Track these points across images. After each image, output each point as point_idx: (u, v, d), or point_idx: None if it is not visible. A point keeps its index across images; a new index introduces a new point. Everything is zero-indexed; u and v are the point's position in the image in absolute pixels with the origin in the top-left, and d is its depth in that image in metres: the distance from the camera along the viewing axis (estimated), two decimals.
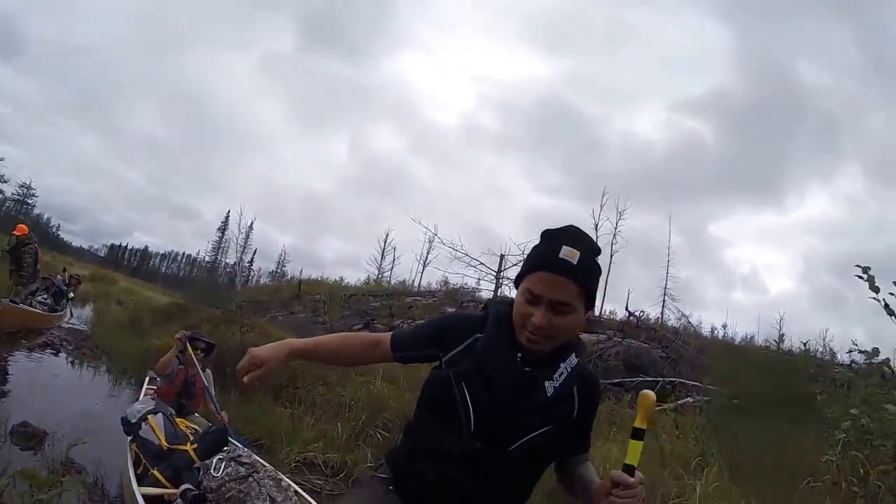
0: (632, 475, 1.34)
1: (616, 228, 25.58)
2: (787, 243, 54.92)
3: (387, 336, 1.76)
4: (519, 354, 1.51)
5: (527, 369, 1.51)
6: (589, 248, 1.53)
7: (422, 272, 34.03)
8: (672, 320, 21.89)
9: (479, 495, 1.51)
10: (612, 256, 25.19)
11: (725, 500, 4.43)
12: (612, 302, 26.99)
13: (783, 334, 15.11)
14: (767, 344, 11.73)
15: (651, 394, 1.39)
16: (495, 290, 17.75)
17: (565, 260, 1.45)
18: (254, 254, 40.89)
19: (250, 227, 41.20)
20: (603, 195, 26.80)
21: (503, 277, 17.53)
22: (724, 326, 21.46)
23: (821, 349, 13.63)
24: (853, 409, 3.95)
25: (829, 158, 50.19)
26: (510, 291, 19.45)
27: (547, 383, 1.51)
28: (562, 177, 53.45)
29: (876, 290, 3.82)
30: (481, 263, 17.86)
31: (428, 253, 32.50)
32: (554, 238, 1.52)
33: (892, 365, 4.02)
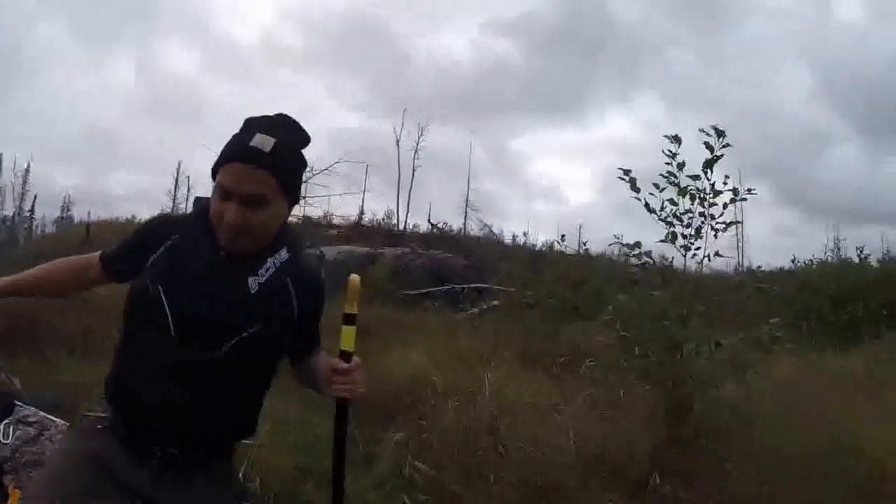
0: (349, 361, 1.33)
1: (418, 144, 26.07)
2: (587, 159, 59.03)
3: (97, 255, 1.57)
4: (222, 253, 1.36)
5: (225, 265, 1.37)
6: (289, 135, 1.40)
7: None
8: (475, 230, 22.86)
9: (197, 406, 1.35)
10: (413, 172, 25.79)
11: (513, 382, 4.97)
12: (414, 216, 27.79)
13: (585, 241, 16.42)
14: (563, 249, 13.00)
15: (357, 278, 1.37)
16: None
17: (256, 148, 1.29)
18: (34, 201, 35.93)
19: (27, 170, 36.05)
20: (404, 111, 27.08)
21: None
22: (525, 234, 22.95)
23: (616, 253, 15.18)
24: (620, 296, 4.62)
25: (630, 84, 54.19)
26: (301, 209, 19.42)
27: (251, 279, 1.37)
28: (370, 95, 52.30)
29: (637, 190, 4.42)
30: None
31: None
32: (249, 125, 1.38)
33: (653, 256, 4.64)
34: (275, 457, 3.54)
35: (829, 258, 14.11)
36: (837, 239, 17.99)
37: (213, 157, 1.36)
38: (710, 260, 4.49)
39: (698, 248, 4.39)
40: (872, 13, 50.12)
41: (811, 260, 13.46)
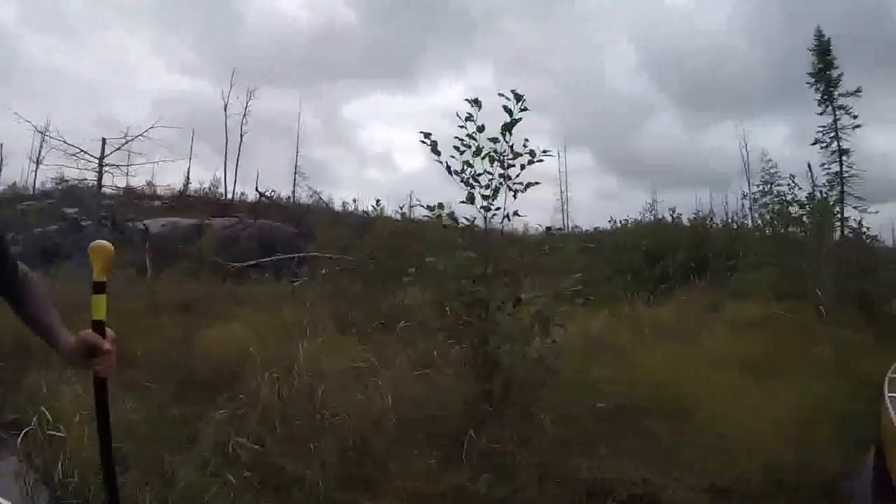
0: (102, 332, 1.26)
1: (246, 109, 24.90)
2: (420, 126, 58.98)
3: None
4: None
5: None
6: None
7: (35, 172, 28.96)
8: (305, 198, 22.39)
9: None
10: (242, 138, 24.64)
11: (331, 349, 4.94)
12: (243, 184, 26.68)
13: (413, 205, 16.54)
14: (379, 213, 13.08)
15: (104, 244, 1.31)
16: (99, 179, 16.39)
17: None
18: None
19: None
20: (233, 73, 25.75)
21: (106, 164, 16.23)
22: (355, 201, 22.77)
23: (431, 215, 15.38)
24: (429, 258, 4.64)
25: (464, 53, 54.71)
26: (113, 179, 18.06)
27: None
28: (198, 56, 48.82)
29: (437, 153, 4.44)
30: (82, 151, 16.33)
31: (41, 149, 27.63)
32: None
33: (457, 216, 4.68)
34: (93, 448, 3.30)
35: (645, 218, 15.12)
36: (654, 201, 19.52)
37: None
38: (509, 220, 4.61)
39: (498, 209, 4.47)
40: None
41: (626, 220, 14.36)
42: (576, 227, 21.04)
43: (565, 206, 27.81)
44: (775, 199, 10.57)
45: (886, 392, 5.27)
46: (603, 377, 5.06)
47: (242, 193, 22.87)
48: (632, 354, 5.70)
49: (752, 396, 5.37)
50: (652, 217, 15.34)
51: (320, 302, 6.83)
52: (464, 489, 3.59)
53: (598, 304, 7.77)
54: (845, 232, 12.04)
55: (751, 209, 12.82)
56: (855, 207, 12.90)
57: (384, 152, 57.48)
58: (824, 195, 11.15)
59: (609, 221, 14.98)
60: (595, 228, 18.00)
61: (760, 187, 11.29)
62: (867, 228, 12.17)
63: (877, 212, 12.96)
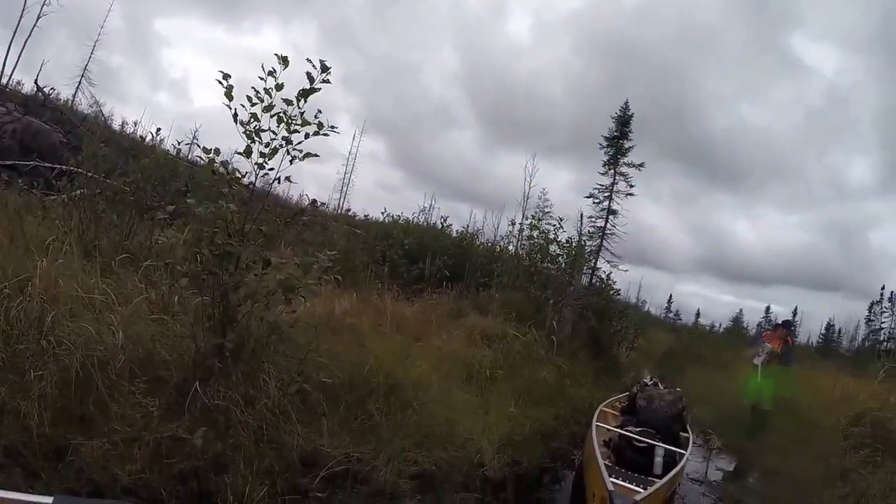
0: None
1: None
2: (226, 64, 55.28)
3: None
4: None
5: None
6: None
7: None
8: (84, 106, 20.46)
9: None
10: (38, 19, 21.59)
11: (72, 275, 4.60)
12: (22, 71, 23.47)
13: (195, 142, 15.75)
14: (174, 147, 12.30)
15: None
16: None
17: None
18: None
19: None
20: None
21: None
22: (136, 123, 21.08)
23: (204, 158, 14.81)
24: (190, 199, 4.50)
25: (296, 8, 52.82)
26: None
27: None
28: None
29: (230, 98, 4.31)
30: None
31: None
32: None
33: (230, 166, 4.59)
34: None
35: (416, 219, 15.58)
36: (431, 205, 20.16)
37: None
38: (279, 183, 4.62)
39: (272, 169, 4.47)
40: (536, 30, 57.33)
41: (399, 215, 14.72)
42: (348, 209, 21.14)
43: (345, 188, 28.06)
44: (540, 235, 11.49)
45: (595, 421, 6.11)
46: (336, 355, 5.22)
47: (19, 82, 20.12)
48: (368, 340, 5.96)
49: (473, 401, 6.00)
50: (424, 220, 15.85)
51: (70, 223, 6.29)
52: (180, 440, 3.57)
53: (350, 288, 8.07)
54: (593, 280, 13.48)
55: (517, 237, 13.62)
56: (608, 261, 14.42)
57: (181, 79, 53.45)
58: (583, 243, 12.25)
59: (382, 212, 15.26)
60: (366, 216, 18.33)
61: (530, 220, 12.08)
62: (613, 281, 13.84)
63: (626, 270, 14.59)
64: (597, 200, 15.40)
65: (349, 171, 28.03)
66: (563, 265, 11.13)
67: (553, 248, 11.15)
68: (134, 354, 4.00)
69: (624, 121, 16.10)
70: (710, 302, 78.52)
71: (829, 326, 42.70)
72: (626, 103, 16.32)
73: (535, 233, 11.51)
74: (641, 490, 4.50)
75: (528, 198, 12.94)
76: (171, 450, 3.51)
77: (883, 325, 40.21)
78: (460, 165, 46.48)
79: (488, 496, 4.58)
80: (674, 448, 5.70)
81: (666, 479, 4.87)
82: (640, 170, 15.54)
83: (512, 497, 4.78)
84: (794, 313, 44.28)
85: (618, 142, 15.91)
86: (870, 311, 41.21)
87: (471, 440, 5.14)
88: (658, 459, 5.46)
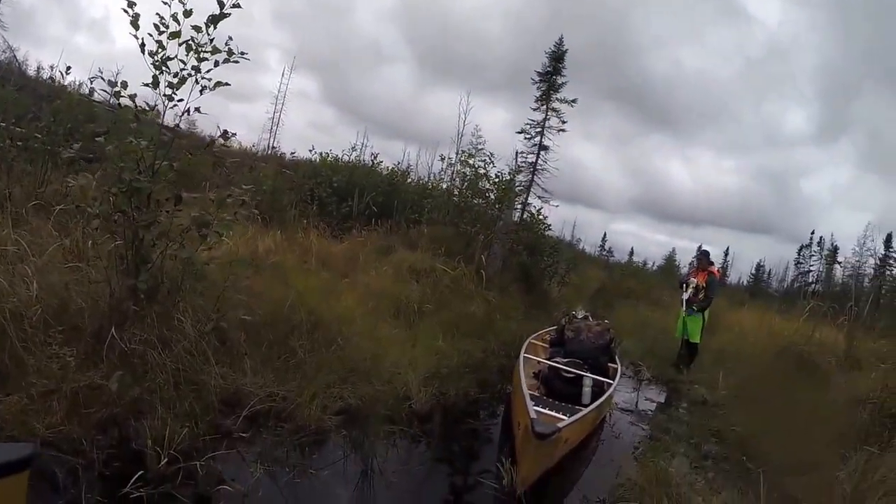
0: None
1: None
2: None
3: None
4: None
5: None
6: None
7: None
8: None
9: None
10: None
11: None
12: None
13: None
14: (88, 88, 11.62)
15: None
16: None
17: None
18: None
19: None
20: None
21: None
22: (52, 67, 19.85)
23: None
24: (99, 138, 4.30)
25: None
26: None
27: None
28: None
29: (136, 27, 4.10)
30: None
31: None
32: None
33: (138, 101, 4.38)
34: None
35: (347, 157, 15.20)
36: (363, 144, 19.73)
37: None
38: (189, 114, 4.44)
39: (181, 100, 4.30)
40: None
41: (327, 153, 14.31)
42: (275, 148, 20.49)
43: (275, 128, 27.19)
44: (471, 170, 11.50)
45: (522, 353, 6.19)
46: (258, 293, 5.19)
47: None
48: (292, 277, 5.92)
49: (400, 336, 6.06)
50: (355, 158, 15.50)
51: None
52: (98, 388, 3.50)
53: (277, 227, 8.01)
54: (524, 215, 13.62)
55: (447, 173, 13.47)
56: (539, 197, 14.57)
57: (102, 19, 50.22)
58: (513, 177, 12.25)
59: (310, 150, 14.77)
60: (293, 154, 17.90)
61: (460, 156, 11.95)
62: (544, 217, 14.03)
63: (557, 205, 14.76)
64: (528, 136, 15.43)
65: (278, 111, 27.20)
66: (492, 200, 11.20)
67: (482, 182, 11.18)
68: (49, 305, 3.89)
69: (557, 56, 15.98)
70: (644, 241, 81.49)
71: (759, 267, 44.93)
72: (560, 39, 16.09)
73: (466, 168, 11.51)
74: (565, 418, 4.55)
75: (462, 135, 12.81)
76: (90, 399, 3.45)
77: (811, 268, 42.54)
78: (394, 103, 45.92)
79: (414, 428, 4.64)
80: (601, 378, 5.83)
81: (591, 407, 4.94)
82: (572, 105, 15.53)
83: (438, 428, 4.85)
84: (726, 254, 46.39)
85: (551, 77, 15.83)
86: (799, 255, 43.45)
87: (398, 374, 5.20)
88: (586, 389, 5.56)
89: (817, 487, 4.26)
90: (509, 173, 11.78)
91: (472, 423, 5.22)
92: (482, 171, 11.22)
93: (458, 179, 11.76)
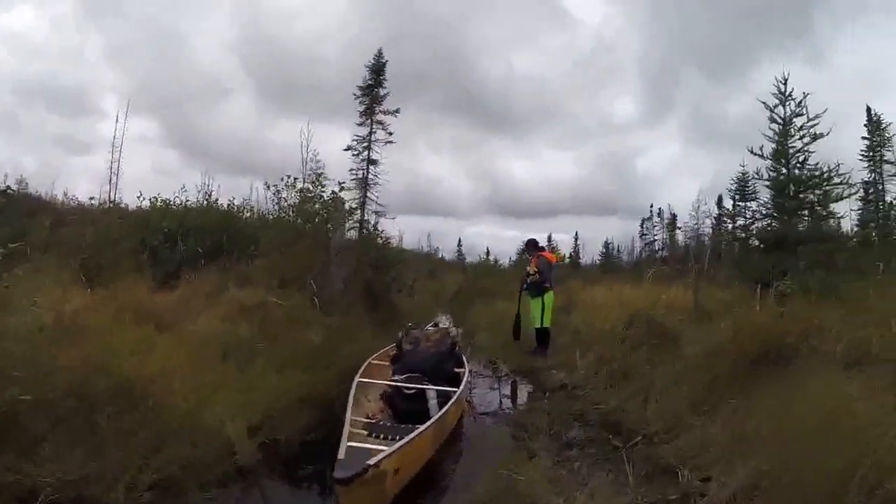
0: None
1: None
2: None
3: None
4: None
5: None
6: None
7: None
8: None
9: None
10: None
11: None
12: None
13: None
14: None
15: None
16: None
17: None
18: None
19: None
20: None
21: None
22: None
23: None
24: None
25: None
26: None
27: None
28: None
29: None
30: None
31: None
32: None
33: None
34: None
35: (181, 199, 14.35)
36: (209, 184, 18.83)
37: None
38: None
39: None
40: None
41: (155, 198, 13.41)
42: (114, 201, 19.20)
43: (114, 178, 25.59)
44: (298, 194, 11.23)
45: (357, 377, 5.86)
46: (66, 363, 4.62)
47: None
48: (106, 337, 5.38)
49: (230, 382, 5.51)
50: (204, 200, 14.72)
51: None
52: None
53: (106, 283, 7.40)
54: (363, 231, 13.60)
55: (276, 201, 12.98)
56: (375, 212, 14.64)
57: None
58: (335, 194, 11.91)
59: (138, 197, 13.72)
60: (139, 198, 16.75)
61: (285, 181, 11.53)
62: (381, 230, 14.01)
63: (394, 218, 14.90)
64: (356, 152, 15.48)
65: (116, 159, 25.34)
66: (322, 221, 10.93)
67: (309, 205, 10.87)
68: None
69: (377, 69, 16.07)
70: (497, 239, 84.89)
71: (607, 244, 47.47)
72: (379, 51, 16.34)
73: (292, 193, 11.25)
74: (383, 449, 3.82)
75: (306, 163, 12.42)
76: None
77: (656, 238, 45.64)
78: (238, 138, 44.78)
79: (238, 487, 4.17)
80: (446, 388, 5.61)
81: (427, 425, 4.54)
82: (395, 116, 15.74)
83: (267, 481, 4.39)
84: (576, 238, 48.74)
85: (373, 90, 16.01)
86: (642, 227, 46.46)
87: (223, 427, 4.64)
88: (432, 402, 5.32)
89: (692, 448, 4.26)
90: (332, 192, 11.47)
91: (307, 469, 4.69)
92: (310, 194, 11.01)
93: (288, 207, 11.42)
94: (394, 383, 5.65)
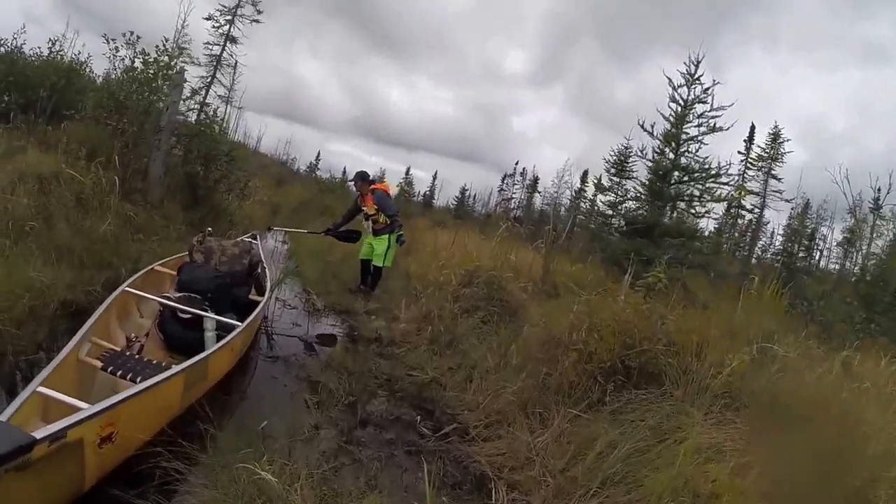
0: None
1: None
2: None
3: None
4: None
5: None
6: None
7: None
8: None
9: None
10: None
11: None
12: None
13: None
14: None
15: None
16: None
17: None
18: None
19: None
20: None
21: None
22: None
23: None
24: None
25: None
26: None
27: None
28: None
29: None
30: None
31: None
32: None
33: None
34: None
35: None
36: (70, 37, 15.77)
37: None
38: None
39: None
40: None
41: None
42: None
43: None
44: (139, 55, 9.42)
45: (125, 285, 4.73)
46: None
47: None
48: None
49: None
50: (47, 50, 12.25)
51: None
52: None
53: None
54: (201, 116, 11.86)
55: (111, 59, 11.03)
56: (220, 96, 13.08)
57: None
58: (174, 62, 9.96)
59: None
60: None
61: (130, 39, 9.69)
62: (221, 119, 12.42)
63: (241, 108, 13.64)
64: (216, 24, 13.71)
65: None
66: (156, 87, 9.08)
67: (146, 70, 9.08)
68: None
69: None
70: (358, 162, 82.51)
71: (464, 191, 47.90)
72: None
73: (131, 53, 9.47)
74: (84, 406, 2.64)
75: (178, 35, 10.50)
76: None
77: (514, 196, 46.58)
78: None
79: None
80: (229, 320, 4.56)
81: (176, 370, 3.36)
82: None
83: None
84: (434, 177, 48.73)
85: None
86: (503, 182, 47.23)
87: None
88: (208, 334, 4.37)
89: (513, 457, 3.74)
90: (168, 51, 9.56)
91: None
92: (148, 57, 9.19)
93: (119, 68, 9.61)
94: (166, 301, 4.51)
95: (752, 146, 28.41)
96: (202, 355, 3.75)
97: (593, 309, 4.92)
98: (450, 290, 6.99)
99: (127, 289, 4.70)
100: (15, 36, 10.81)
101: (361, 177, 8.73)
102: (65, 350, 3.32)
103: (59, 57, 11.38)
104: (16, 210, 5.56)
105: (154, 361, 3.73)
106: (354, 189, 9.03)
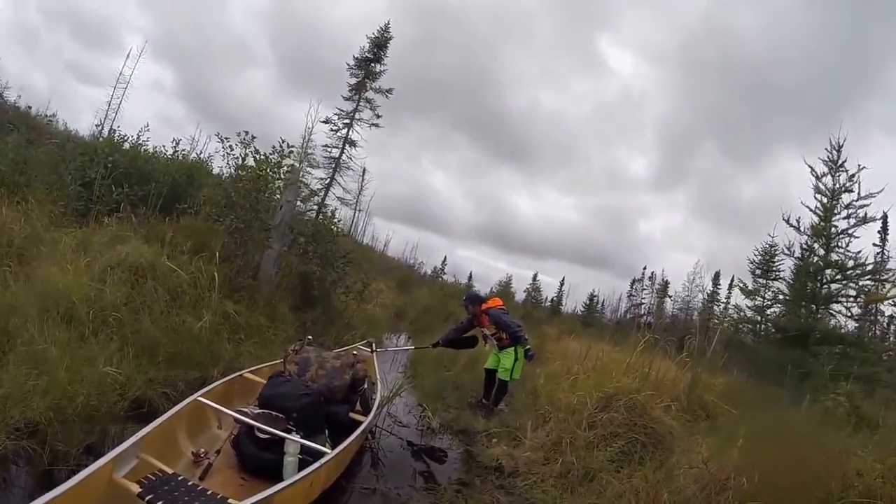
0: None
1: None
2: None
3: None
4: None
5: None
6: None
7: None
8: None
9: None
10: None
11: None
12: None
13: None
14: None
15: None
16: None
17: None
18: None
19: None
20: None
21: None
22: None
23: None
24: None
25: None
26: None
27: None
28: None
29: None
30: None
31: None
32: None
33: None
34: None
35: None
36: (203, 140, 17.33)
37: None
38: None
39: None
40: None
41: (114, 130, 11.95)
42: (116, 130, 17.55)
43: (113, 114, 24.31)
44: (252, 153, 9.48)
45: (198, 395, 4.16)
46: None
47: None
48: None
49: (48, 356, 4.10)
50: (172, 149, 13.05)
51: None
52: None
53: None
54: (319, 217, 11.84)
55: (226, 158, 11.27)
56: (339, 198, 13.12)
57: None
58: (284, 156, 10.01)
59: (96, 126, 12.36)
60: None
61: (244, 139, 9.81)
62: (338, 219, 12.30)
63: (360, 211, 13.53)
64: (335, 128, 13.99)
65: (119, 96, 23.68)
66: (273, 186, 9.10)
67: (255, 170, 9.02)
68: None
69: (380, 43, 14.69)
70: (485, 267, 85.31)
71: (593, 297, 46.83)
72: (386, 24, 14.86)
73: (246, 151, 9.51)
74: None
75: (306, 142, 10.79)
76: None
77: (643, 301, 45.01)
78: (249, 107, 44.29)
79: None
80: (315, 445, 3.82)
81: None
82: (387, 97, 14.40)
83: None
84: (562, 283, 48.23)
85: (369, 64, 14.63)
86: (632, 287, 45.91)
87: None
88: (289, 459, 3.75)
89: None
90: (283, 154, 9.53)
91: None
92: (262, 156, 9.18)
93: (233, 166, 9.65)
94: (242, 418, 3.91)
95: (888, 237, 25.26)
96: (269, 492, 2.99)
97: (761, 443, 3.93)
98: (584, 415, 5.93)
99: (199, 399, 4.09)
100: (140, 133, 11.24)
101: (472, 300, 8.21)
102: (91, 467, 2.72)
103: (181, 156, 11.75)
104: (101, 299, 5.21)
105: (210, 492, 3.04)
106: (466, 312, 8.33)
